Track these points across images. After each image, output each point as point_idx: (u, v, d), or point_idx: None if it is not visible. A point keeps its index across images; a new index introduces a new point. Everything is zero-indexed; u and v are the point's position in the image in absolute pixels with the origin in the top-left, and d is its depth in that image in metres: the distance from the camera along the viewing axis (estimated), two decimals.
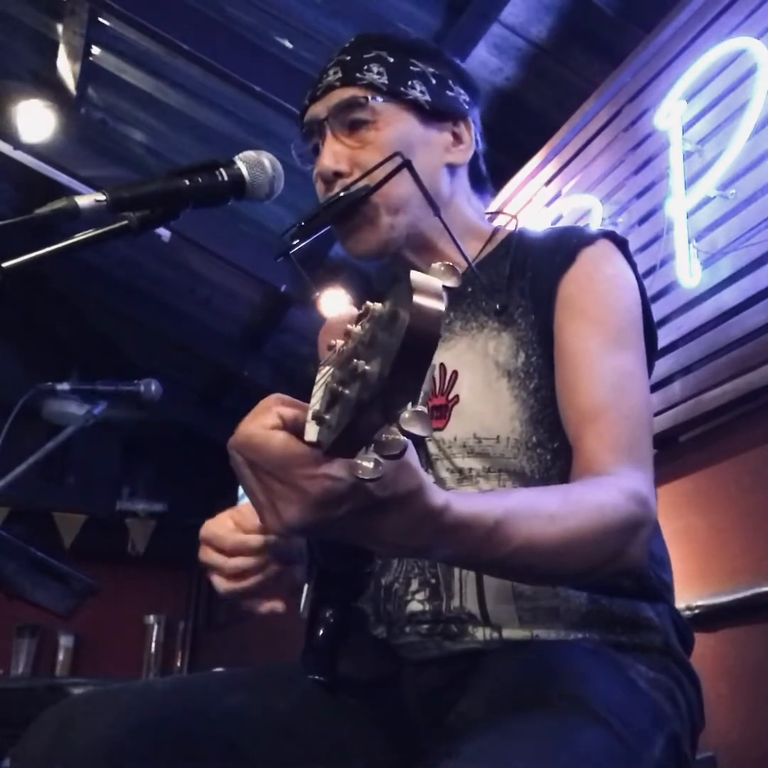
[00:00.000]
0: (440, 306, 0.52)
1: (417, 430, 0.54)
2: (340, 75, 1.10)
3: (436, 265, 0.56)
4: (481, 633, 0.98)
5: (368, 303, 0.57)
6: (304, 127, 1.14)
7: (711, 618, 1.83)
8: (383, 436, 0.56)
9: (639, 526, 0.85)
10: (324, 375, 0.63)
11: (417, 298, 0.52)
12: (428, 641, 1.01)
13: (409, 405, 0.54)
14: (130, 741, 0.91)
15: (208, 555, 0.82)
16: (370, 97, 1.08)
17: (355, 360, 0.55)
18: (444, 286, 0.54)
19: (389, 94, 1.09)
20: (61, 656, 5.60)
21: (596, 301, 1.02)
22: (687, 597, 1.86)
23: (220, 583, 0.81)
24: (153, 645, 5.81)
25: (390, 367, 0.52)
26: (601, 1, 2.50)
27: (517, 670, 0.90)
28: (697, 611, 1.85)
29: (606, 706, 0.82)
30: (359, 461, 0.57)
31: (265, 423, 0.66)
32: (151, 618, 5.84)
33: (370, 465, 0.57)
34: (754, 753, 1.73)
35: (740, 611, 1.80)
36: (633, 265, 1.08)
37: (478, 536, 0.71)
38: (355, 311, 1.26)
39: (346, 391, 0.56)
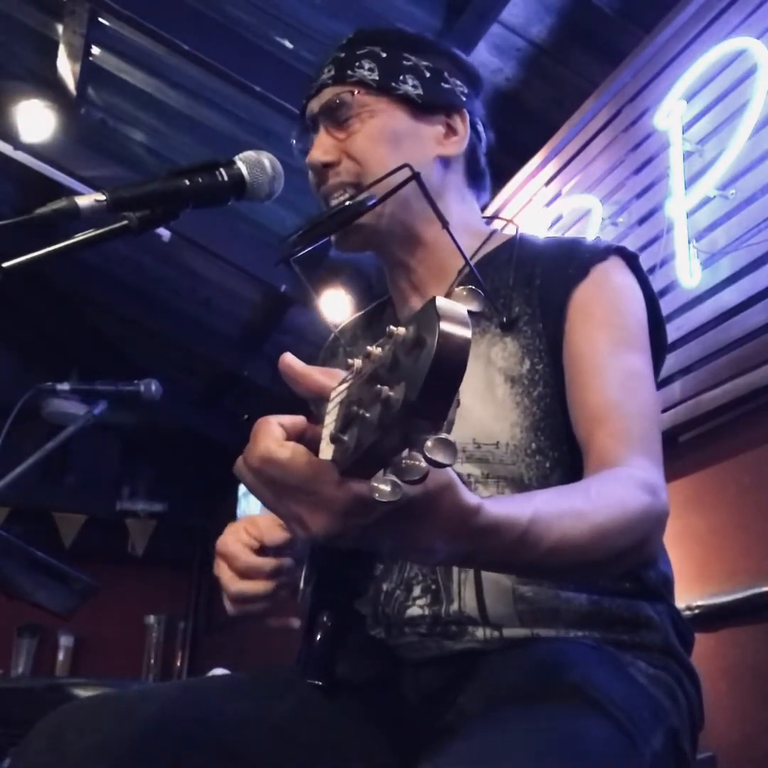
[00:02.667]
0: (467, 333, 0.52)
1: (441, 457, 0.53)
2: (332, 73, 1.15)
3: (459, 289, 0.55)
4: (481, 632, 0.98)
5: (391, 327, 0.56)
6: (303, 122, 1.19)
7: (711, 618, 1.83)
8: (403, 461, 0.55)
9: (656, 517, 0.86)
10: (339, 393, 0.62)
11: (444, 326, 0.51)
12: (428, 641, 1.00)
13: (433, 432, 0.53)
14: (127, 749, 0.90)
15: (221, 571, 0.81)
16: (357, 92, 1.12)
17: (376, 383, 0.55)
18: (468, 311, 0.53)
19: (379, 90, 1.13)
20: (61, 656, 5.60)
21: (604, 306, 1.04)
22: (687, 597, 1.86)
23: (229, 605, 0.80)
24: (153, 645, 5.81)
25: (416, 393, 0.51)
26: (601, 1, 2.49)
27: (517, 666, 0.90)
28: (697, 611, 1.85)
29: (606, 698, 0.82)
30: (376, 484, 0.56)
31: (276, 437, 0.65)
32: (151, 618, 5.85)
33: (388, 488, 0.56)
34: (754, 753, 1.73)
35: (740, 611, 1.80)
36: (643, 280, 1.09)
37: (513, 539, 0.71)
38: (357, 328, 1.26)
39: (366, 414, 0.55)
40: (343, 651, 0.99)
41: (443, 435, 0.53)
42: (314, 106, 1.16)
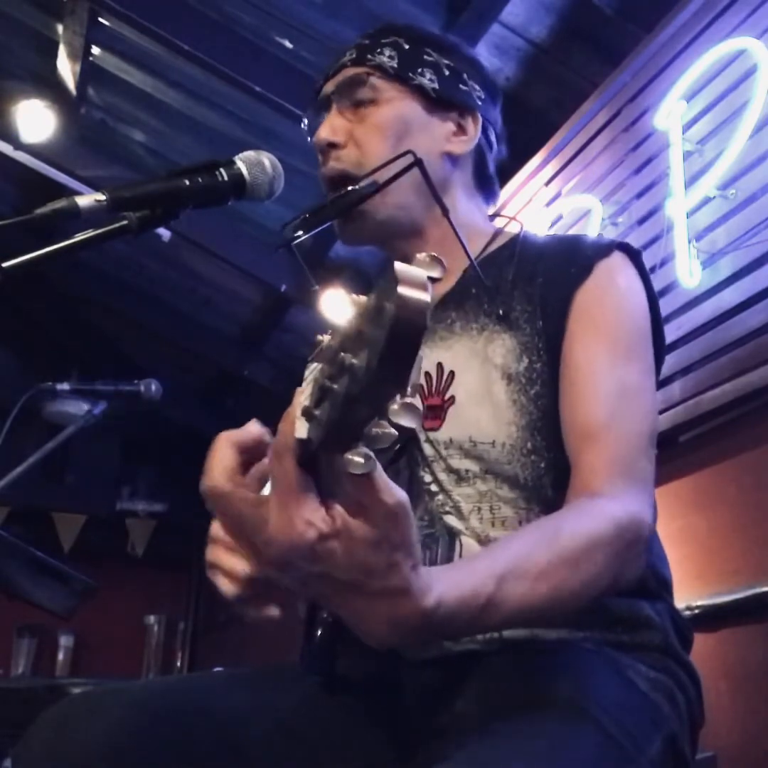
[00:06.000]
0: (425, 297, 0.52)
1: (406, 421, 0.53)
2: (353, 56, 1.16)
3: (421, 256, 0.55)
4: (480, 634, 0.98)
5: (353, 296, 0.57)
6: (317, 102, 1.19)
7: (711, 618, 1.83)
8: (373, 429, 0.55)
9: (632, 550, 0.86)
10: (312, 371, 0.63)
11: (401, 289, 0.52)
12: (427, 641, 1.00)
13: (398, 397, 0.54)
14: (130, 740, 0.91)
15: (215, 554, 0.79)
16: (373, 75, 1.13)
17: (342, 354, 0.55)
18: (429, 277, 0.54)
19: (395, 77, 1.13)
20: (61, 656, 5.60)
21: (607, 314, 1.03)
22: (687, 597, 1.86)
23: (225, 586, 0.79)
24: (153, 645, 5.81)
25: (377, 358, 0.51)
26: (601, 1, 2.50)
27: (514, 671, 0.90)
28: (697, 611, 1.85)
29: (601, 707, 0.82)
30: (350, 456, 0.56)
31: (223, 467, 0.70)
32: (151, 618, 5.85)
33: (361, 459, 0.56)
34: (754, 753, 1.73)
35: (740, 611, 1.80)
36: (645, 277, 1.09)
37: (470, 616, 0.71)
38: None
39: (335, 386, 0.55)
40: (343, 647, 0.99)
41: (408, 399, 0.54)
42: (329, 86, 1.17)
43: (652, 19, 2.33)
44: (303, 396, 0.62)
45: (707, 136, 2.07)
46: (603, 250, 1.07)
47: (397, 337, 0.51)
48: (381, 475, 0.59)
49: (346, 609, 0.67)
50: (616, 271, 1.06)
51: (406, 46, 1.15)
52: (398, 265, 0.53)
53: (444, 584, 0.68)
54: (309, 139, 1.19)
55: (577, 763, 0.76)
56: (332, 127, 1.14)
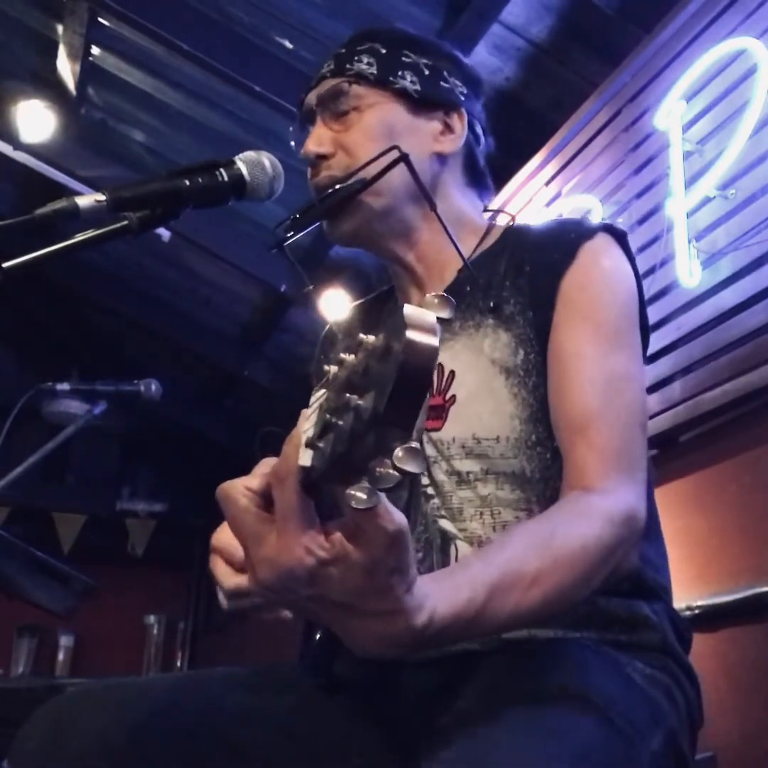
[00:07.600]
0: (434, 341, 0.52)
1: (410, 467, 0.53)
2: (332, 66, 1.16)
3: (430, 296, 0.55)
4: None
5: (362, 335, 0.57)
6: (301, 116, 1.20)
7: (711, 618, 1.83)
8: (377, 469, 0.55)
9: (625, 545, 0.86)
10: (318, 399, 0.63)
11: (410, 334, 0.51)
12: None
13: (402, 440, 0.53)
14: (128, 739, 0.91)
15: (217, 566, 0.79)
16: (354, 83, 1.13)
17: (348, 392, 0.55)
18: (438, 318, 0.53)
19: (376, 83, 1.13)
20: (61, 656, 5.60)
21: (593, 300, 1.02)
22: (687, 597, 1.86)
23: (225, 599, 0.79)
24: (153, 645, 5.81)
25: (384, 402, 0.51)
26: (600, 1, 2.50)
27: (514, 668, 0.90)
28: (697, 611, 1.85)
29: (604, 699, 0.82)
30: (353, 491, 0.56)
31: (245, 478, 0.69)
32: (151, 618, 5.85)
33: (364, 496, 0.56)
34: (754, 753, 1.73)
35: (740, 611, 1.80)
36: (631, 257, 1.08)
37: (463, 627, 0.71)
38: (354, 319, 1.27)
39: (340, 422, 0.56)
40: (342, 649, 0.99)
41: (412, 444, 0.53)
42: (312, 98, 1.17)
43: (652, 19, 2.33)
44: (308, 423, 0.62)
45: (707, 136, 2.07)
46: (587, 232, 1.07)
47: (404, 382, 0.51)
48: (383, 504, 0.59)
49: (337, 627, 0.67)
50: (601, 254, 1.05)
51: (383, 51, 1.15)
52: (407, 308, 0.53)
53: (436, 599, 0.68)
54: (294, 149, 1.19)
55: (583, 748, 0.75)
56: (319, 138, 1.13)
